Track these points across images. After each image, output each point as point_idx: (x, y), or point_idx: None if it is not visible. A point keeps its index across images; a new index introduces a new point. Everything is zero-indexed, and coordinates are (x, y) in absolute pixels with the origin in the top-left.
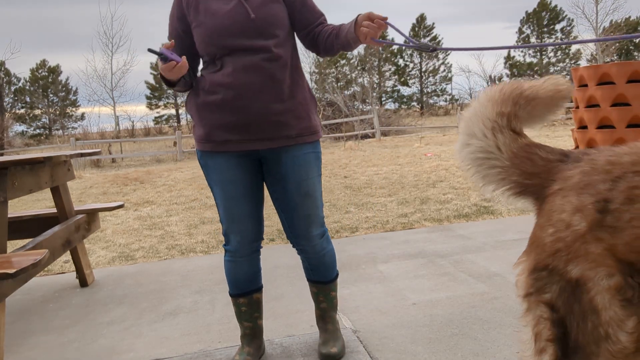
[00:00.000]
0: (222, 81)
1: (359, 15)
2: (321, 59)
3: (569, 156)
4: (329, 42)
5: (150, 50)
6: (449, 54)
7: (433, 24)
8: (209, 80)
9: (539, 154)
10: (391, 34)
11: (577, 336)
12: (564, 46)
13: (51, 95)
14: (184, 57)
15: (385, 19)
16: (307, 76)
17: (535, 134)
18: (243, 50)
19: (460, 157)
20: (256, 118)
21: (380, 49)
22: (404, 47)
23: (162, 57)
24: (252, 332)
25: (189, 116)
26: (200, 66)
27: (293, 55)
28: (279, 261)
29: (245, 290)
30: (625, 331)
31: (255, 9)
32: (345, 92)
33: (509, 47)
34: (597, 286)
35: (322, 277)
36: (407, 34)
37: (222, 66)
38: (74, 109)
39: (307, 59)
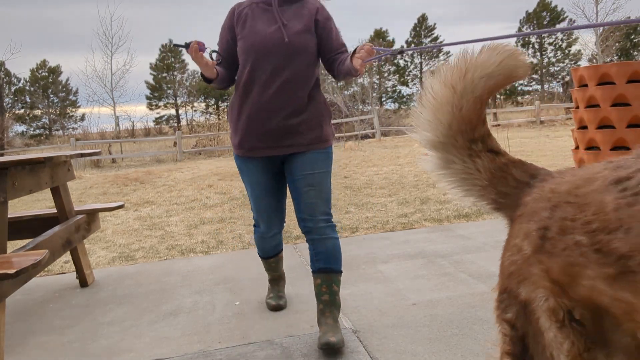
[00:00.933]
0: (253, 95)
1: (356, 48)
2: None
3: (536, 178)
4: (338, 68)
5: (174, 45)
6: (450, 55)
7: (434, 24)
8: (244, 92)
9: (513, 175)
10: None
11: (532, 356)
12: (564, 46)
13: (51, 95)
14: (194, 41)
15: (371, 46)
16: None
17: (535, 134)
18: (273, 69)
19: (438, 178)
20: (277, 129)
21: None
22: (388, 56)
23: (183, 46)
24: (279, 277)
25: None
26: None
27: (314, 76)
28: None
29: (272, 254)
30: (563, 354)
31: (290, 35)
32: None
33: (477, 40)
34: (539, 308)
35: (326, 264)
36: (392, 47)
37: (254, 81)
38: (74, 110)
39: None
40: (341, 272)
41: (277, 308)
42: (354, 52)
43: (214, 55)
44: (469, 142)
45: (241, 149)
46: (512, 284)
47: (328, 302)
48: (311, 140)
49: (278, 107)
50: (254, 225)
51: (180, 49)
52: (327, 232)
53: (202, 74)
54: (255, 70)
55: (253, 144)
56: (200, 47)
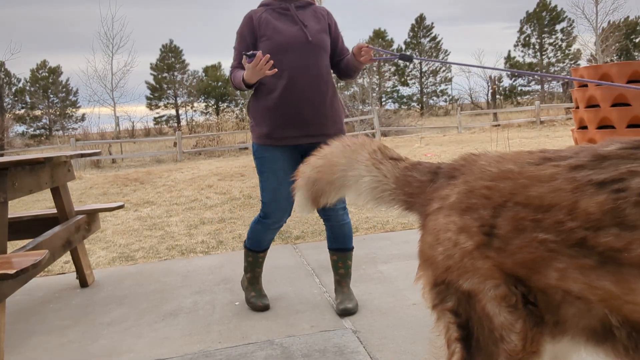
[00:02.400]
0: (282, 89)
1: (353, 48)
2: None
3: (437, 174)
4: (345, 68)
5: (245, 54)
6: (449, 54)
7: (432, 23)
8: (271, 87)
9: (414, 176)
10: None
11: (478, 338)
12: (564, 46)
13: (51, 95)
14: (265, 56)
15: (368, 45)
16: None
17: (535, 134)
18: (299, 65)
19: (354, 194)
20: (306, 121)
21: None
22: (393, 58)
23: (251, 55)
24: (259, 274)
25: (248, 116)
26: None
27: (330, 73)
28: (279, 261)
29: (266, 247)
30: (514, 332)
31: (312, 35)
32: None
33: (492, 68)
34: (486, 296)
35: (342, 244)
36: (391, 49)
37: (281, 76)
38: (74, 110)
39: None
40: (353, 247)
41: (264, 308)
42: (353, 53)
43: (247, 59)
44: (369, 153)
45: (269, 138)
46: (452, 277)
47: (344, 275)
48: (335, 131)
49: (307, 100)
50: (261, 217)
51: (247, 57)
52: (345, 218)
53: (245, 83)
54: (282, 67)
55: (282, 134)
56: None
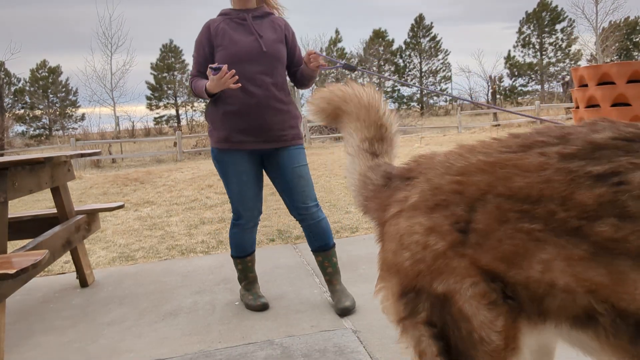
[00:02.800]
0: (240, 96)
1: (304, 57)
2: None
3: (391, 179)
4: (301, 77)
5: (211, 68)
6: (448, 54)
7: (432, 23)
8: (229, 94)
9: (370, 179)
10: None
11: (456, 344)
12: (564, 46)
13: (51, 95)
14: (231, 71)
15: (316, 52)
16: None
17: None
18: (254, 74)
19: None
20: (263, 127)
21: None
22: (338, 67)
23: (216, 68)
24: (254, 279)
25: (206, 120)
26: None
27: (286, 82)
28: (279, 261)
29: (250, 251)
30: (495, 331)
31: (267, 45)
32: None
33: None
34: (463, 297)
35: (322, 241)
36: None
37: (239, 83)
38: (74, 110)
39: None
40: (335, 244)
41: (263, 307)
42: (305, 62)
43: (213, 72)
44: (360, 140)
45: (227, 142)
46: (423, 282)
47: (332, 273)
48: (293, 136)
49: (263, 108)
50: (234, 221)
51: (212, 70)
52: (319, 215)
53: (208, 92)
54: (238, 76)
55: (240, 138)
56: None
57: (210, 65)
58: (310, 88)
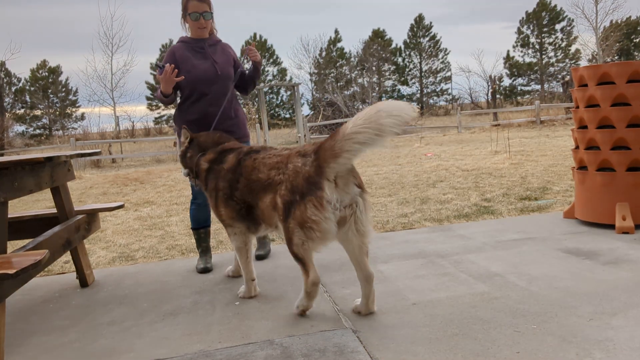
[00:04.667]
0: (198, 108)
1: (245, 49)
2: (320, 60)
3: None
4: (244, 84)
5: (157, 66)
6: (448, 53)
7: (431, 23)
8: (189, 106)
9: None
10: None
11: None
12: (563, 46)
13: (51, 95)
14: (171, 65)
15: (252, 43)
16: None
17: (535, 134)
18: (210, 91)
19: None
20: (217, 128)
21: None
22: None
23: (160, 67)
24: (207, 249)
25: (174, 124)
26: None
27: (234, 94)
28: (279, 261)
29: (204, 224)
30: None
31: (221, 69)
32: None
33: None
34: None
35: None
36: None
37: (198, 99)
38: (74, 110)
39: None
40: None
41: (205, 270)
42: (243, 53)
43: (158, 70)
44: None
45: None
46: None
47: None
48: (240, 135)
49: (219, 114)
50: (192, 200)
51: (158, 68)
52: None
53: (163, 93)
54: (199, 92)
55: None
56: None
57: (155, 64)
58: (250, 94)
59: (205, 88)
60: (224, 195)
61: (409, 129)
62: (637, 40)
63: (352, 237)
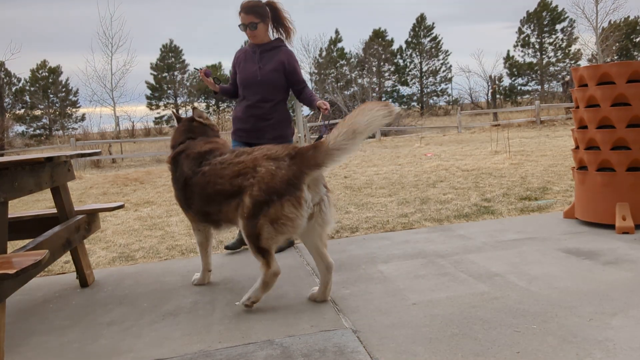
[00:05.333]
0: (241, 107)
1: (317, 102)
2: (320, 60)
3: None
4: (302, 98)
5: (195, 68)
6: (449, 54)
7: (433, 23)
8: (237, 104)
9: None
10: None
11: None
12: (563, 46)
13: (51, 95)
14: (201, 70)
15: (327, 109)
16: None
17: (535, 134)
18: (250, 93)
19: None
20: (252, 128)
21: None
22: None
23: (198, 69)
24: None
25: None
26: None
27: (281, 99)
28: (279, 261)
29: None
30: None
31: (262, 75)
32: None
33: None
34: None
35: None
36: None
37: (242, 99)
38: (74, 110)
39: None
40: None
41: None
42: (316, 101)
43: (215, 80)
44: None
45: (234, 135)
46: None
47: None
48: (274, 136)
49: (253, 116)
50: None
51: (196, 70)
52: None
53: (213, 90)
54: (243, 94)
55: (240, 134)
56: (207, 73)
57: (195, 67)
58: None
59: (247, 90)
60: (185, 205)
61: (409, 129)
62: (637, 40)
63: (317, 228)
